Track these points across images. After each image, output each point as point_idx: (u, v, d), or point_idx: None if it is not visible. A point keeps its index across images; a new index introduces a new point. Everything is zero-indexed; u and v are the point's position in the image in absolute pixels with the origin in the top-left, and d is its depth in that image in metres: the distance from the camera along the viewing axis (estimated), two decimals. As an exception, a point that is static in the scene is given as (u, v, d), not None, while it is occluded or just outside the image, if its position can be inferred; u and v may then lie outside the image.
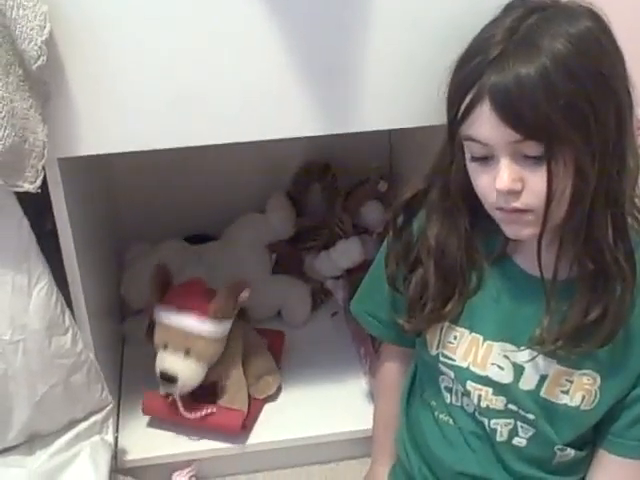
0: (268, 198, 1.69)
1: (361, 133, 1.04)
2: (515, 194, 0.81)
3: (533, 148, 0.79)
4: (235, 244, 1.61)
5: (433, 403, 1.03)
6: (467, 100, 0.81)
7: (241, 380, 1.31)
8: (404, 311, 0.99)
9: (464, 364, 0.97)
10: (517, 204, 0.82)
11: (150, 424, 1.32)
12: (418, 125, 1.03)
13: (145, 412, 1.32)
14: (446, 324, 0.97)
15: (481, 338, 0.95)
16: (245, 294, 1.28)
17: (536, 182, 0.80)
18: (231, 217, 1.67)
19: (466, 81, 0.81)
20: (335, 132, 1.03)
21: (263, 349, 1.40)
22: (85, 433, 1.17)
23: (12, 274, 1.01)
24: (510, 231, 0.87)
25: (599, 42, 0.79)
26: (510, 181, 0.80)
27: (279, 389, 1.38)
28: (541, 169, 0.79)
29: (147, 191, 1.67)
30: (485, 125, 0.80)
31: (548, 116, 0.76)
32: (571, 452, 0.97)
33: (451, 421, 1.02)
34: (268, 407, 1.35)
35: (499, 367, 0.95)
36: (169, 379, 1.23)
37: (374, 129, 1.04)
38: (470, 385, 0.97)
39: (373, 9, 0.96)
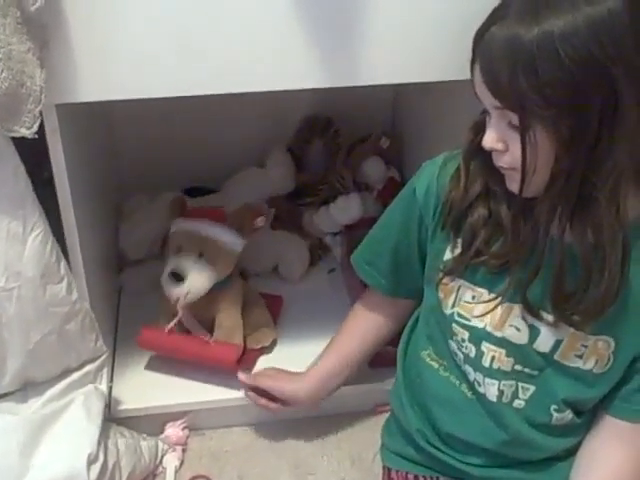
0: (269, 153, 1.67)
1: (365, 88, 1.01)
2: (500, 153, 0.83)
3: (511, 116, 0.79)
4: (234, 198, 1.59)
5: (445, 363, 1.03)
6: (472, 55, 0.82)
7: (238, 320, 1.33)
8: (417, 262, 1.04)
9: (480, 325, 0.96)
10: (501, 163, 0.85)
11: (144, 375, 1.32)
12: (425, 80, 1.01)
13: (141, 345, 1.31)
14: (464, 282, 0.96)
15: (500, 299, 0.93)
16: (261, 220, 1.30)
17: (516, 148, 0.80)
18: (231, 171, 1.66)
19: (475, 37, 0.81)
20: (339, 85, 1.00)
21: (261, 303, 1.41)
22: (79, 382, 1.17)
23: (7, 221, 1.00)
24: (508, 184, 0.87)
25: (613, 27, 0.72)
26: (492, 141, 0.83)
27: (274, 343, 1.39)
28: (518, 137, 0.79)
29: (147, 143, 1.66)
30: (477, 84, 0.81)
31: (524, 92, 0.75)
32: (569, 415, 0.97)
33: (457, 383, 1.02)
34: (263, 360, 1.36)
35: (516, 328, 0.94)
36: (177, 277, 1.24)
37: (380, 83, 1.01)
38: (485, 346, 0.96)
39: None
